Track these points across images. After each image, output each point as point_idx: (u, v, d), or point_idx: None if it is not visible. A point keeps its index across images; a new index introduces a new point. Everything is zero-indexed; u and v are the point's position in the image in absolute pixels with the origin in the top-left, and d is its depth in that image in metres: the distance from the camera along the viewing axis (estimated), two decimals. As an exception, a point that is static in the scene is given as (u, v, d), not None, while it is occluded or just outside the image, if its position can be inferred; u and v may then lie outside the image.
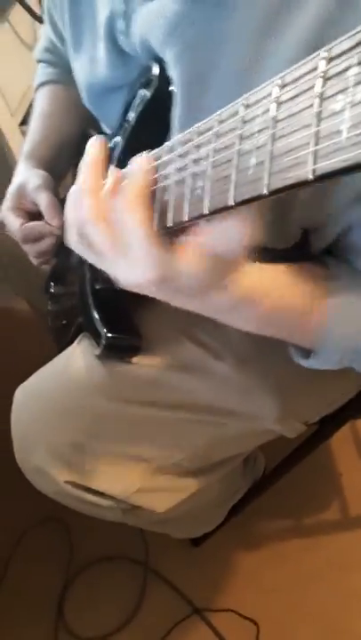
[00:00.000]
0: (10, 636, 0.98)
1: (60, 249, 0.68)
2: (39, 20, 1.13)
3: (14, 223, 0.63)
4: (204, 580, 1.03)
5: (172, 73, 0.41)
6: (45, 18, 0.68)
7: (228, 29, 0.36)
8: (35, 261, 0.67)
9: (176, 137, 0.33)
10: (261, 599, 1.00)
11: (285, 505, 1.08)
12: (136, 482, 0.59)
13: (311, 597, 1.00)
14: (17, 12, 1.14)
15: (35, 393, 0.63)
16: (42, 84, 0.75)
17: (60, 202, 0.70)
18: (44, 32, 0.72)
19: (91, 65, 0.55)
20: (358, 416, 0.73)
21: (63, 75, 0.72)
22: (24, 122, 1.07)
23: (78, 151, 0.74)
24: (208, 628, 0.98)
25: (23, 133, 1.06)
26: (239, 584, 1.02)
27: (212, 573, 1.04)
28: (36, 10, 1.14)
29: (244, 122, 0.27)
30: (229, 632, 0.97)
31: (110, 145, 0.55)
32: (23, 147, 0.71)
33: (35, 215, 0.64)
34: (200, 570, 1.03)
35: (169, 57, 0.40)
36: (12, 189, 0.65)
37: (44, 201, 0.62)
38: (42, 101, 0.74)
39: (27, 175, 0.65)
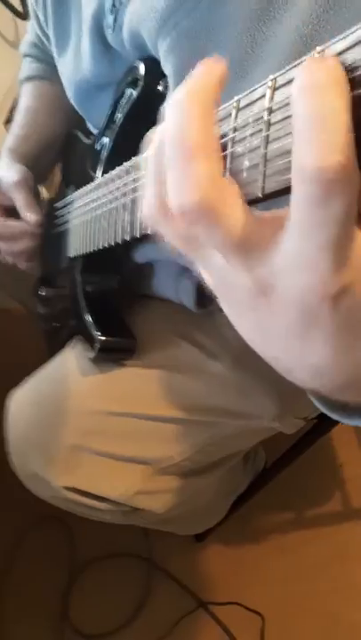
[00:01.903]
0: (16, 635, 0.98)
1: (48, 250, 0.67)
2: (21, 16, 1.11)
3: None
4: (209, 575, 1.03)
5: (166, 65, 0.40)
6: (31, 13, 0.66)
7: (222, 17, 0.36)
8: (9, 260, 0.66)
9: None
10: (266, 592, 1.01)
11: (287, 497, 1.09)
12: (135, 484, 0.59)
13: (315, 588, 1.01)
14: (-1, 12, 1.12)
15: (30, 398, 0.62)
16: (27, 79, 0.73)
17: (50, 202, 0.69)
18: (31, 26, 0.70)
19: (76, 62, 0.54)
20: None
21: (49, 71, 0.70)
22: (8, 120, 1.05)
23: (62, 150, 0.73)
24: (214, 622, 0.99)
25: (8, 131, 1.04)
26: (243, 577, 1.03)
27: (216, 567, 1.04)
28: (17, 7, 1.12)
29: (236, 125, 0.26)
30: (235, 625, 0.98)
31: (97, 147, 0.55)
32: (6, 141, 0.70)
33: (12, 212, 0.63)
34: (204, 564, 1.04)
35: (162, 48, 0.39)
36: None
37: (20, 199, 0.61)
38: (27, 97, 0.72)
39: (6, 170, 0.64)
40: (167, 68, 0.40)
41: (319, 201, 0.18)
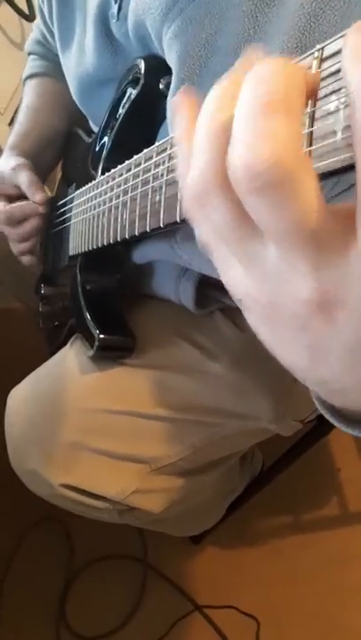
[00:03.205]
0: (12, 636, 0.98)
1: (49, 249, 0.68)
2: (27, 18, 1.12)
3: None
4: (204, 577, 1.03)
5: (170, 53, 0.40)
6: (38, 11, 0.67)
7: (226, 1, 0.36)
8: (19, 247, 0.66)
9: (167, 137, 0.33)
10: (261, 595, 1.00)
11: (284, 501, 1.08)
12: (132, 483, 0.59)
13: (311, 593, 1.01)
14: (4, 11, 1.13)
15: (28, 396, 0.62)
16: (31, 76, 0.74)
17: (51, 201, 0.70)
18: (37, 24, 0.71)
19: (79, 56, 0.54)
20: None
21: (52, 68, 0.71)
22: (12, 121, 1.06)
23: (64, 148, 0.74)
24: (209, 625, 0.98)
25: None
26: (239, 580, 1.02)
27: (211, 570, 1.04)
28: (24, 8, 1.13)
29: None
30: (230, 628, 0.98)
31: (97, 145, 0.55)
32: (8, 139, 0.70)
33: (16, 199, 0.63)
34: (200, 567, 1.04)
35: (167, 35, 0.40)
36: None
37: (24, 179, 0.61)
38: (30, 94, 0.73)
39: (5, 162, 0.64)
40: (171, 55, 0.40)
41: None
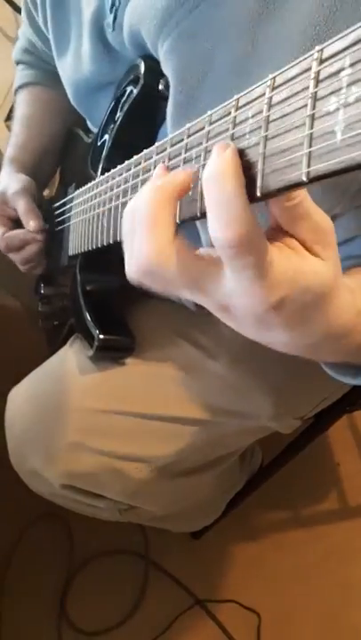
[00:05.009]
0: (13, 632, 0.98)
1: (48, 249, 0.68)
2: (21, 12, 1.11)
3: None
4: (206, 572, 1.03)
5: (166, 66, 0.40)
6: (24, 19, 0.66)
7: (223, 16, 0.35)
8: (22, 269, 0.67)
9: (166, 138, 0.33)
10: (262, 590, 1.01)
11: (284, 496, 1.09)
12: (132, 482, 0.59)
13: (311, 587, 1.02)
14: (0, 8, 1.12)
15: (28, 396, 0.62)
16: (22, 86, 0.73)
17: (50, 201, 0.69)
18: (22, 33, 0.70)
19: (76, 62, 0.54)
20: (354, 409, 0.73)
21: (43, 76, 0.70)
22: (9, 117, 1.05)
23: (63, 153, 0.74)
24: (210, 619, 0.99)
25: (8, 128, 1.04)
26: (240, 575, 1.03)
27: (212, 565, 1.04)
28: (18, 2, 1.12)
29: (236, 123, 0.26)
30: (231, 622, 0.98)
31: (97, 145, 0.55)
32: (6, 150, 0.70)
33: (18, 222, 0.64)
34: (201, 562, 1.04)
35: (162, 48, 0.39)
36: None
37: (21, 207, 0.62)
38: (22, 104, 0.73)
39: (7, 181, 0.65)
40: (168, 68, 0.40)
41: (233, 258, 0.24)
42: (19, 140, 0.70)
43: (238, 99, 0.26)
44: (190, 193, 0.29)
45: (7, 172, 0.66)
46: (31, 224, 0.61)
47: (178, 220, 0.30)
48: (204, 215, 0.30)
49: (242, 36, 0.34)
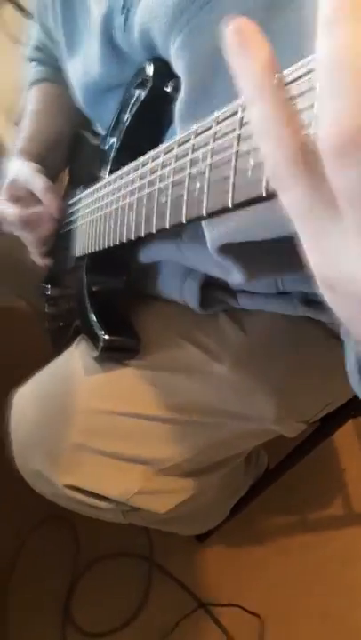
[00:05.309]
0: (18, 634, 0.98)
1: (55, 250, 0.68)
2: (26, 13, 1.12)
3: (13, 212, 0.62)
4: (209, 576, 1.03)
5: (177, 63, 0.40)
6: (35, 19, 0.67)
7: (234, 10, 0.35)
8: (36, 252, 0.66)
9: (174, 138, 0.33)
10: (266, 594, 1.00)
11: (289, 500, 1.08)
12: (136, 484, 0.59)
13: (315, 592, 1.01)
14: (7, 10, 1.13)
15: (33, 397, 0.62)
16: (32, 83, 0.74)
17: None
18: (34, 32, 0.72)
19: (85, 64, 0.54)
20: (359, 414, 0.73)
21: (54, 73, 0.71)
22: (17, 120, 1.06)
23: (70, 151, 0.74)
24: (213, 623, 0.99)
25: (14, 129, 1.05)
26: (244, 579, 1.03)
27: (216, 568, 1.04)
28: (27, 7, 1.13)
29: (243, 123, 0.26)
30: (234, 626, 0.98)
31: (104, 147, 0.55)
32: (15, 145, 0.71)
33: (31, 204, 0.64)
34: (205, 565, 1.04)
35: (174, 46, 0.39)
36: (5, 184, 0.64)
37: (39, 185, 0.61)
38: (33, 99, 0.74)
39: (19, 168, 0.65)
40: (179, 66, 0.40)
41: None
42: (28, 133, 0.70)
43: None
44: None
45: (17, 162, 0.67)
46: (53, 201, 0.61)
47: (205, 213, 0.29)
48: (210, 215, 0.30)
49: None
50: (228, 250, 0.42)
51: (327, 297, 0.21)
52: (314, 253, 0.20)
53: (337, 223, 0.18)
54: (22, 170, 0.63)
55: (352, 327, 0.22)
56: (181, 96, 0.40)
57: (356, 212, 0.17)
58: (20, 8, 1.11)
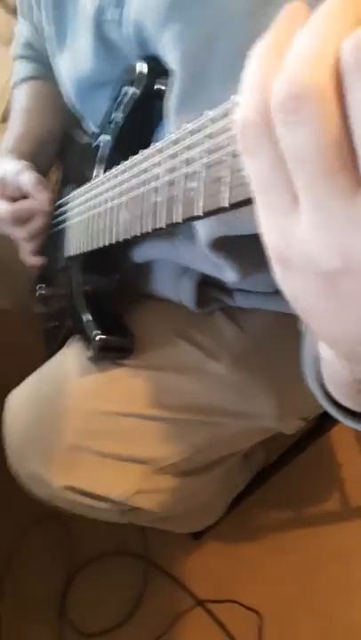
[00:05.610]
0: (14, 634, 0.98)
1: (47, 250, 0.67)
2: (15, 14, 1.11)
3: (4, 209, 0.61)
4: (206, 572, 1.03)
5: (171, 54, 0.40)
6: (19, 17, 0.66)
7: (228, 1, 0.35)
8: (27, 249, 0.65)
9: (168, 137, 0.32)
10: (263, 590, 1.01)
11: (286, 496, 1.09)
12: (134, 484, 0.58)
13: (313, 587, 1.01)
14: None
15: (28, 398, 0.62)
16: (22, 80, 0.73)
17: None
18: (19, 30, 0.70)
19: (76, 59, 0.53)
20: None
21: (44, 70, 0.70)
22: (4, 119, 1.05)
23: (60, 149, 0.73)
24: (211, 620, 0.99)
25: (2, 131, 1.04)
26: (241, 575, 1.03)
27: (213, 565, 1.04)
28: (11, 4, 1.11)
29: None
30: (232, 623, 0.98)
31: (95, 145, 0.54)
32: (3, 143, 0.70)
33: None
34: (201, 562, 1.04)
35: (169, 37, 0.39)
36: None
37: (28, 180, 0.61)
38: (22, 97, 0.72)
39: (6, 166, 0.64)
40: (173, 57, 0.39)
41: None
42: (18, 131, 0.69)
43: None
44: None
45: (5, 160, 0.65)
46: (43, 194, 0.60)
47: (202, 213, 0.29)
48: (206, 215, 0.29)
49: (246, 20, 0.34)
50: (221, 246, 0.41)
51: (278, 275, 0.20)
52: (270, 229, 0.19)
53: (292, 196, 0.17)
54: (9, 168, 0.63)
55: (301, 311, 0.20)
56: (174, 91, 0.39)
57: (307, 182, 0.16)
58: (10, 10, 1.09)
